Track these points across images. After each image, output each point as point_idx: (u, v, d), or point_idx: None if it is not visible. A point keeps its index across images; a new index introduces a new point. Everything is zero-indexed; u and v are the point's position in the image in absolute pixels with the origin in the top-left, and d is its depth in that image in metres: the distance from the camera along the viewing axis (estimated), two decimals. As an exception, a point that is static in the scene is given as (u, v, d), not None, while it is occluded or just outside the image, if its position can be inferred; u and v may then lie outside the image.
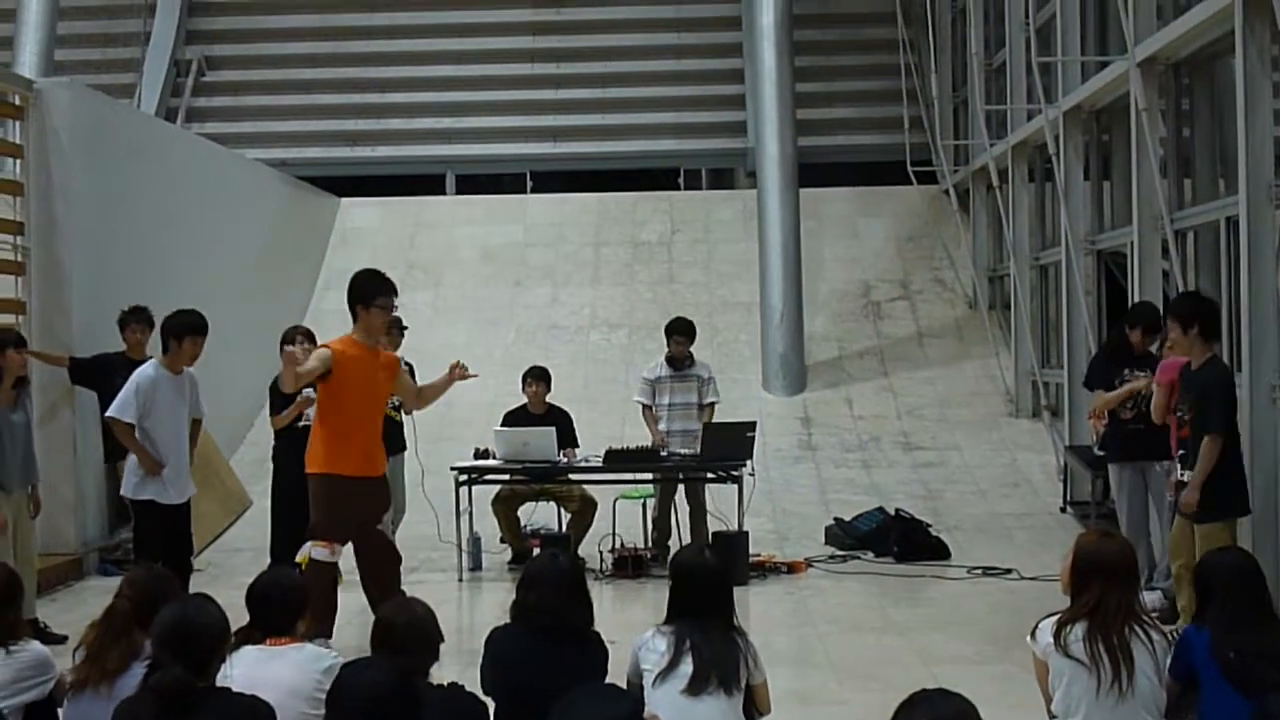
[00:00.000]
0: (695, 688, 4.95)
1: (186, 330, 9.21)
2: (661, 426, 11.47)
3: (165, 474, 9.03)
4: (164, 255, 12.82)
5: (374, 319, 8.28)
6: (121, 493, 9.48)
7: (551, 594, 5.15)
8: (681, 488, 11.39)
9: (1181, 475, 8.19)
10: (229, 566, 11.15)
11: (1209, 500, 7.99)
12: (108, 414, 9.24)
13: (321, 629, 8.28)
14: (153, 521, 9.11)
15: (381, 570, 8.37)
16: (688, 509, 11.36)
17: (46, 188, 11.19)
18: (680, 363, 11.58)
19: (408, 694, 4.01)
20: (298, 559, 10.41)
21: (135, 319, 10.85)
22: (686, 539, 11.16)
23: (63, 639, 7.97)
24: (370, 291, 8.30)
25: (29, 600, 8.55)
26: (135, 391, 9.07)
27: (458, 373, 8.69)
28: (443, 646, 4.87)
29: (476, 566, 11.19)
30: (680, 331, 11.62)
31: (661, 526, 11.44)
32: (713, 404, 11.59)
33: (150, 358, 10.69)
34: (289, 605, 4.99)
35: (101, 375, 10.81)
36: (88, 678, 4.82)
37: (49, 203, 11.17)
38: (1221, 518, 7.98)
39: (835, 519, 12.48)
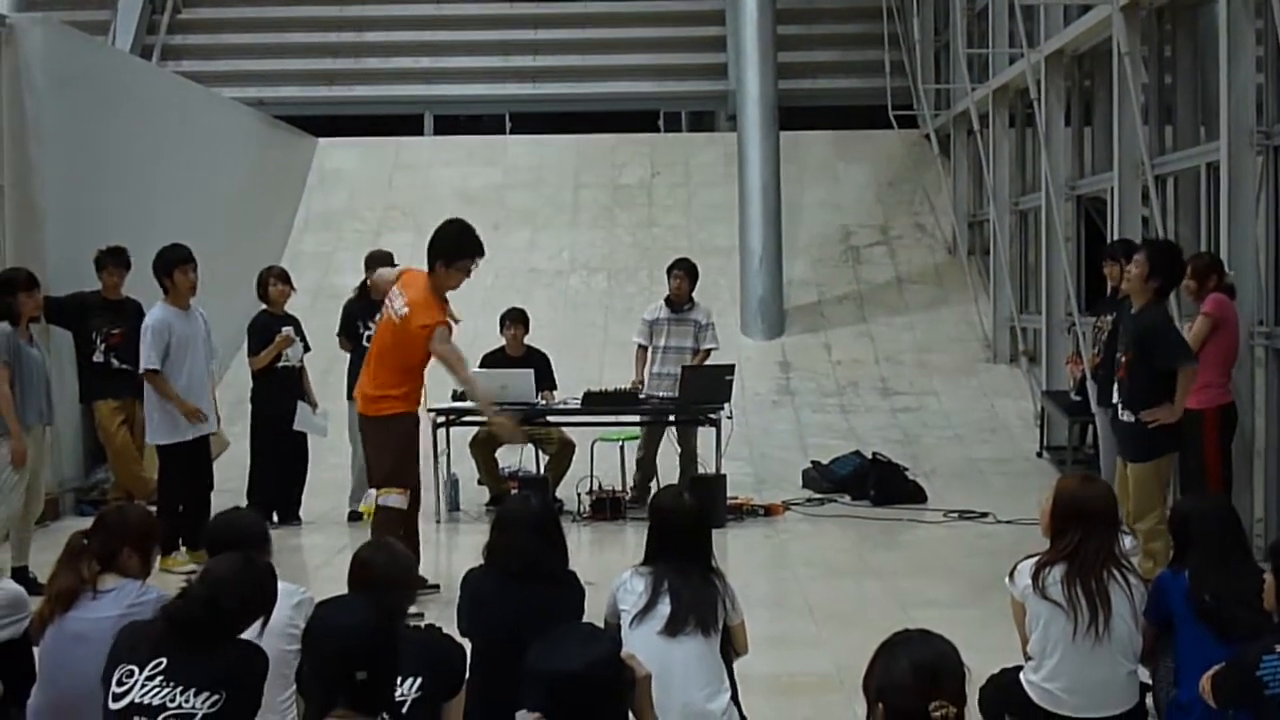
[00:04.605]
0: (673, 628, 4.95)
1: (173, 264, 9.39)
2: (655, 369, 11.39)
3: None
4: (139, 195, 12.69)
5: (452, 278, 8.14)
6: (148, 440, 9.57)
7: (523, 536, 5.14)
8: (673, 433, 11.36)
9: (1123, 415, 7.91)
10: (207, 508, 11.10)
11: (1142, 439, 7.78)
12: (143, 368, 9.30)
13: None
14: (180, 464, 9.26)
15: None
16: (678, 452, 11.32)
17: (20, 127, 11.02)
18: (679, 304, 11.49)
19: (390, 634, 3.97)
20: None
21: (112, 260, 10.72)
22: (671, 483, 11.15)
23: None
24: (461, 251, 8.09)
25: (24, 544, 8.51)
26: (152, 337, 9.22)
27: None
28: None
29: (454, 508, 11.18)
30: (679, 266, 11.55)
31: (645, 469, 11.42)
32: (709, 350, 11.52)
33: (126, 298, 10.66)
34: (247, 545, 4.90)
35: (77, 315, 10.72)
36: (49, 612, 4.81)
37: (22, 142, 11.02)
38: (1150, 457, 7.76)
39: (813, 462, 12.50)
